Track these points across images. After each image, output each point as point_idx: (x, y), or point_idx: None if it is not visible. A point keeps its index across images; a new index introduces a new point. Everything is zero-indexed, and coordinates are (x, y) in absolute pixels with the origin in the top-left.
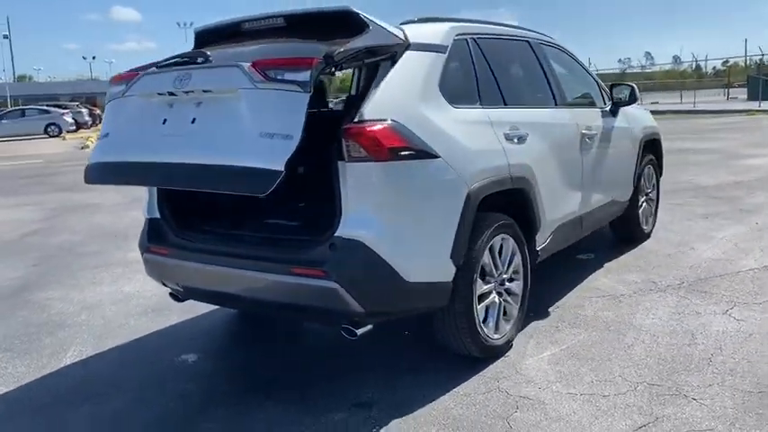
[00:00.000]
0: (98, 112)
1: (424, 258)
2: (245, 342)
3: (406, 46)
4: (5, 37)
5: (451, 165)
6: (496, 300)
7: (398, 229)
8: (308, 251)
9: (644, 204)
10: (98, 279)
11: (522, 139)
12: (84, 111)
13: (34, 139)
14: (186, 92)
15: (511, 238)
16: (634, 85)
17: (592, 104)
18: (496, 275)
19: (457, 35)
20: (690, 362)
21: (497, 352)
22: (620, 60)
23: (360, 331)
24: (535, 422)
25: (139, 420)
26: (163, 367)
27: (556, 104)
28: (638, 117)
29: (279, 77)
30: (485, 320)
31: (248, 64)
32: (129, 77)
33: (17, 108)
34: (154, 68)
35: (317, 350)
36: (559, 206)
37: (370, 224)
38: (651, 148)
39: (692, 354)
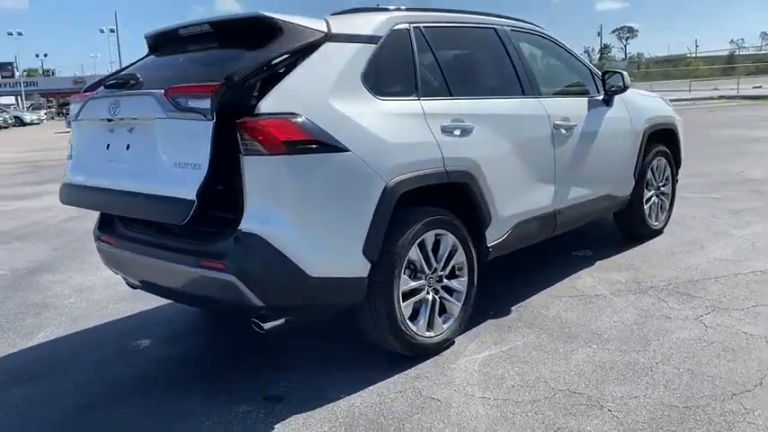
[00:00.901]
0: None
1: (330, 253)
2: (202, 331)
3: (328, 38)
4: (112, 31)
5: (363, 158)
6: (430, 297)
7: (300, 223)
8: (215, 244)
9: (653, 199)
10: (103, 264)
11: (466, 132)
12: None
13: None
14: (121, 118)
15: (450, 234)
16: (624, 72)
17: (578, 94)
18: (430, 272)
19: (396, 25)
20: (628, 370)
21: (431, 350)
22: (732, 41)
23: (267, 326)
24: (429, 426)
25: (66, 402)
26: (114, 351)
27: (524, 94)
28: (641, 106)
29: (186, 106)
30: (414, 318)
31: (162, 91)
32: (82, 98)
33: None
34: (98, 91)
35: (272, 343)
36: (520, 201)
37: (269, 218)
38: (662, 138)
39: (636, 362)
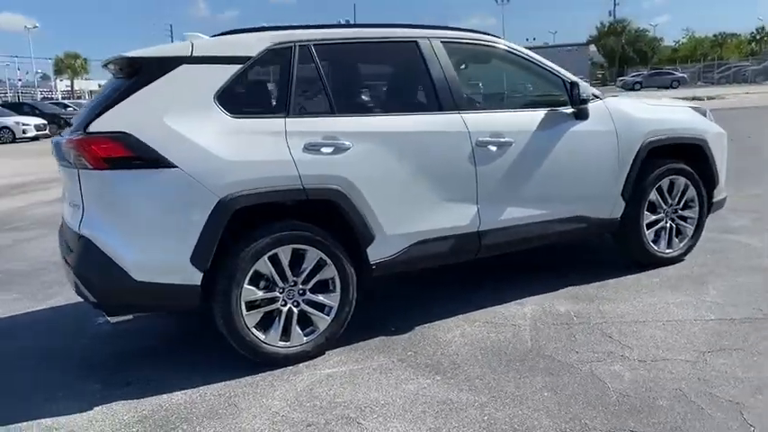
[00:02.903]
0: None
1: (155, 260)
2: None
3: (186, 61)
4: (347, 21)
5: (193, 174)
6: (285, 309)
7: (125, 230)
8: (74, 244)
9: (662, 223)
10: None
11: (340, 150)
12: None
13: None
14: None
15: (314, 249)
16: (580, 83)
17: (532, 106)
18: (286, 285)
19: (276, 44)
20: (436, 408)
21: (286, 360)
22: None
23: (113, 320)
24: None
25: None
26: (80, 324)
27: (440, 110)
28: (639, 118)
29: (65, 157)
30: (265, 328)
31: (64, 141)
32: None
33: None
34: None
35: (188, 336)
36: (420, 220)
37: (99, 225)
38: (681, 154)
39: (455, 400)
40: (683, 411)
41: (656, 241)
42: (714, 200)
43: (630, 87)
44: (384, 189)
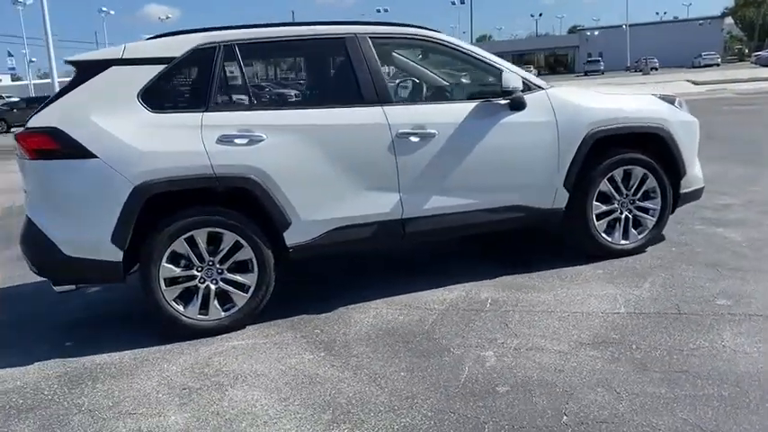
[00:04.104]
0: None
1: (81, 238)
2: None
3: (116, 62)
4: (462, 2)
5: (111, 164)
6: (203, 286)
7: (56, 212)
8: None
9: (616, 214)
10: None
11: (253, 141)
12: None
13: None
14: None
15: (230, 233)
16: (503, 73)
17: (462, 99)
18: (204, 264)
19: (200, 45)
20: (300, 380)
21: (203, 332)
22: None
23: (58, 289)
24: (92, 388)
25: None
26: (70, 293)
27: (362, 103)
28: (583, 107)
29: (17, 150)
30: (186, 302)
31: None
32: None
33: None
34: None
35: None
36: (337, 207)
37: (36, 206)
38: (639, 144)
39: (320, 375)
40: (513, 398)
41: (609, 233)
42: (683, 191)
43: (765, 63)
44: (299, 178)
